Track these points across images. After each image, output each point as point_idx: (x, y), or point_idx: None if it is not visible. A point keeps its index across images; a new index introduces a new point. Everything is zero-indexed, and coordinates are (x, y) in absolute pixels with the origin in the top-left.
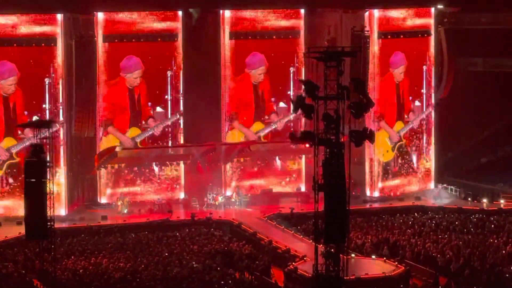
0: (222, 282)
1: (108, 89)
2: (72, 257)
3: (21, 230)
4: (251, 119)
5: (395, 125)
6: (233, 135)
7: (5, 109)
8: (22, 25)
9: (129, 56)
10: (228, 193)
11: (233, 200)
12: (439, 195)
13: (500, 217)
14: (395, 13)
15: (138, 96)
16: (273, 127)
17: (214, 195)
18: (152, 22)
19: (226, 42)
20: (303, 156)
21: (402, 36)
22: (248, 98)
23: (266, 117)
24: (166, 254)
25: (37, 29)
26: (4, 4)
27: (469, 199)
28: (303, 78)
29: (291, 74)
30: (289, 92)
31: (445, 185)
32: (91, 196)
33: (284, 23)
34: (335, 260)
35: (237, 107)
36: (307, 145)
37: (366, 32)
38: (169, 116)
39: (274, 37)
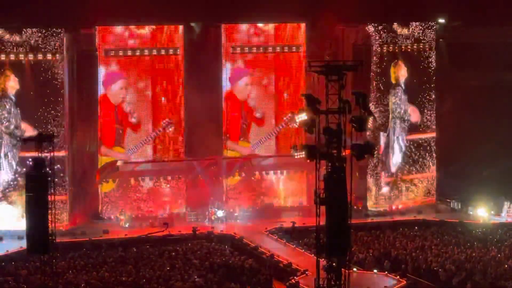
0: None
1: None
2: (74, 271)
3: (22, 244)
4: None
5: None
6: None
7: None
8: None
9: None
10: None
11: (235, 214)
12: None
13: (502, 231)
14: (397, 27)
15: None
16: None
17: (211, 210)
18: (153, 36)
19: (228, 56)
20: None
21: (403, 50)
22: (237, 116)
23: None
24: (168, 268)
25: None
26: (8, 19)
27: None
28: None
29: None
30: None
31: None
32: (93, 210)
33: (285, 37)
34: (337, 274)
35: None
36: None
37: (367, 46)
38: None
39: (277, 50)
